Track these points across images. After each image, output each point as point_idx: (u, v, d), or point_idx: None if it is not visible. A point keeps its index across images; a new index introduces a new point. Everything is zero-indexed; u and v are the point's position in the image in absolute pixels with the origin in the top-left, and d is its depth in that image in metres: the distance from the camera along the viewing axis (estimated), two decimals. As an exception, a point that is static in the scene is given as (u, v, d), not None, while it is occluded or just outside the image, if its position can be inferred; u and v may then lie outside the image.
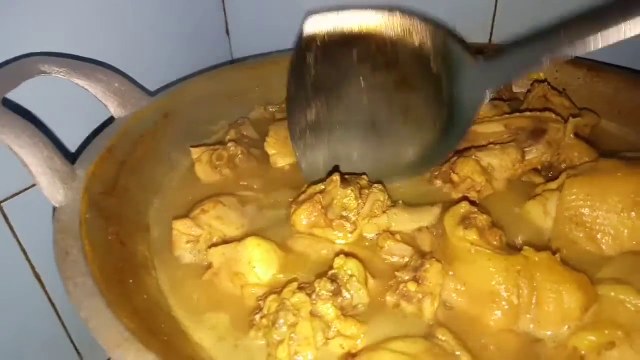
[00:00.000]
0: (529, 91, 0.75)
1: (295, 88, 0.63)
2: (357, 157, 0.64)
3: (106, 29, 0.73)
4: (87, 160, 0.56)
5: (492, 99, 0.74)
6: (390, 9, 0.62)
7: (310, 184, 0.58)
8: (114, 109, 0.65)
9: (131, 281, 0.47)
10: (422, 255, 0.50)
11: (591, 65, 0.79)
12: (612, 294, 0.45)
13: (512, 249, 0.50)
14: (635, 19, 0.43)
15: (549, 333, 0.45)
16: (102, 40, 0.72)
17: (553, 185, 0.58)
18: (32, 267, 0.69)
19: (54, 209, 0.49)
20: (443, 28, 0.62)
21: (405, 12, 0.62)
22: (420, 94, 0.62)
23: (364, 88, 0.62)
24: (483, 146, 0.62)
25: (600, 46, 0.45)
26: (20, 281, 0.68)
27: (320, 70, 0.62)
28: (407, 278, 0.48)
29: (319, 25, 0.62)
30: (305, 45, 0.63)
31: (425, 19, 0.62)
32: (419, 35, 0.62)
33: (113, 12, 0.73)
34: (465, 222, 0.49)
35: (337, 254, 0.49)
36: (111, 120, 0.65)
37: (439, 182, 0.62)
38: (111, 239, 0.50)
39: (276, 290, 0.47)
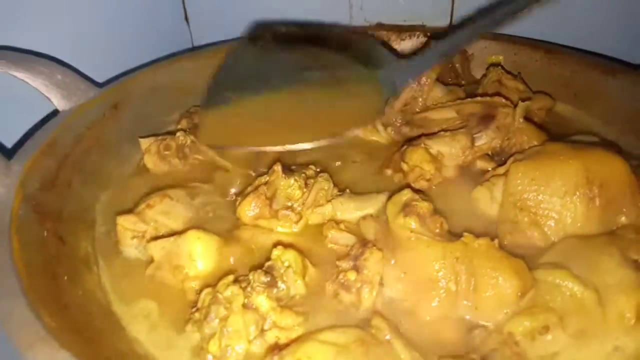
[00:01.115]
0: (484, 75, 0.75)
1: (229, 69, 0.63)
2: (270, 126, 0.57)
3: (50, 18, 0.70)
4: (25, 154, 0.55)
5: (448, 84, 0.74)
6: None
7: (256, 176, 0.57)
8: (57, 102, 0.63)
9: (65, 277, 0.47)
10: (364, 243, 0.50)
11: (548, 47, 0.79)
12: (549, 278, 0.45)
13: (454, 236, 0.50)
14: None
15: (486, 319, 0.45)
16: (46, 30, 0.70)
17: (501, 170, 0.57)
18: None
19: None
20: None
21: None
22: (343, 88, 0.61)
23: (293, 80, 0.60)
24: (433, 133, 0.61)
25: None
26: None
27: (257, 60, 0.64)
28: (346, 267, 0.47)
29: (267, 27, 0.71)
30: (250, 38, 0.70)
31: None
32: (350, 42, 0.66)
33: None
34: (406, 209, 0.49)
35: (277, 244, 0.49)
36: (55, 113, 0.63)
37: (389, 171, 0.61)
38: (47, 235, 0.49)
39: (212, 283, 0.46)
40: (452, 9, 0.89)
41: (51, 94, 0.62)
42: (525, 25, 0.84)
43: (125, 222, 0.54)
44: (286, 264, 0.46)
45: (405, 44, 0.89)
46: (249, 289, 0.43)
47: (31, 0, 0.67)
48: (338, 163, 0.65)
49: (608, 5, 0.83)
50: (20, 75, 0.60)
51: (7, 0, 0.64)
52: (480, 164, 0.62)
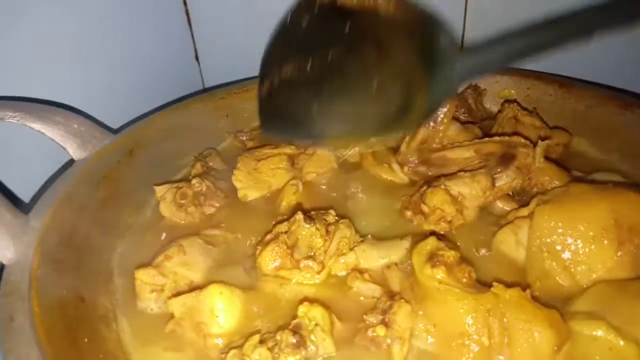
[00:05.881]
0: (499, 111, 0.74)
1: (280, 44, 0.59)
2: (324, 115, 0.56)
3: (63, 65, 0.71)
4: (42, 209, 0.54)
5: (464, 122, 0.74)
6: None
7: (276, 223, 0.56)
8: (73, 151, 0.62)
9: (86, 340, 0.45)
10: (391, 295, 0.49)
11: (562, 81, 0.79)
12: (585, 329, 0.44)
13: (483, 284, 0.49)
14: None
15: (522, 374, 0.43)
16: (59, 78, 0.70)
17: (524, 211, 0.56)
18: None
19: (2, 267, 0.47)
20: (437, 18, 0.58)
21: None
22: (397, 72, 0.57)
23: (347, 56, 0.57)
24: (452, 174, 0.61)
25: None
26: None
27: (309, 33, 0.58)
28: (375, 321, 0.46)
29: None
30: (301, 6, 0.59)
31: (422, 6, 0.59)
32: (411, 19, 0.58)
33: (69, 46, 0.71)
34: (433, 259, 0.48)
35: (302, 299, 0.47)
36: (72, 162, 0.63)
37: (409, 213, 0.60)
38: (66, 293, 0.48)
39: (237, 344, 0.45)
40: (463, 32, 0.89)
41: (67, 144, 0.62)
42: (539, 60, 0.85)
43: (144, 276, 0.53)
44: (313, 322, 0.44)
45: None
46: (276, 350, 0.42)
47: (42, 49, 0.67)
48: (355, 205, 0.64)
49: (624, 39, 0.83)
50: (36, 126, 0.59)
51: (20, 50, 0.64)
52: (501, 204, 0.61)
